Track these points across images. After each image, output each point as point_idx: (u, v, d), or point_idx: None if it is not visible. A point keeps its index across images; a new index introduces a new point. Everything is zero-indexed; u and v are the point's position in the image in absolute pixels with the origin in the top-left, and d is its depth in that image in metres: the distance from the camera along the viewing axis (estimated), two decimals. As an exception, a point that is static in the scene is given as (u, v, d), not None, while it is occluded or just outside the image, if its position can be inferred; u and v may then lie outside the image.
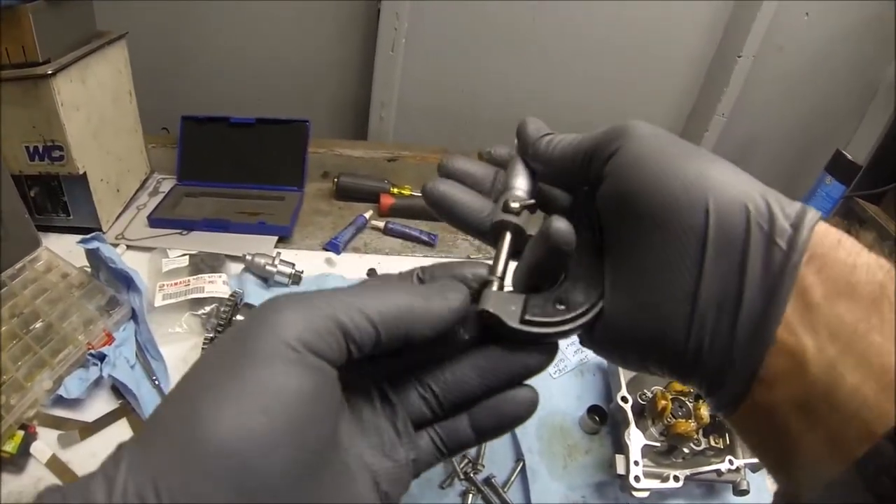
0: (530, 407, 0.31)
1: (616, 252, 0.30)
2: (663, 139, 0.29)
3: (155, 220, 0.90)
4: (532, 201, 0.33)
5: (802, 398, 0.24)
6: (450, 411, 0.31)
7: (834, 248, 0.25)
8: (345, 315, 0.25)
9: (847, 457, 0.22)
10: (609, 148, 0.29)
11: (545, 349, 0.30)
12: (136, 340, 0.68)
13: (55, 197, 0.82)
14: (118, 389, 0.63)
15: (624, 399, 0.60)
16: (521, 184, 0.34)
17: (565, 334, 0.29)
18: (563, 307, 0.29)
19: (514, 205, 0.32)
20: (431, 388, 0.31)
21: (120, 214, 0.92)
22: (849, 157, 0.98)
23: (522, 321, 0.29)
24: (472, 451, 0.60)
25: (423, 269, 0.32)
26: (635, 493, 0.55)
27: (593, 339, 0.31)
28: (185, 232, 0.89)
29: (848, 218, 1.16)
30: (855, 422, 0.22)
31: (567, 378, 0.70)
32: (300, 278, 0.82)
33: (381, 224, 0.96)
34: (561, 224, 0.29)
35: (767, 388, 0.25)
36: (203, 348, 0.68)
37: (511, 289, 0.31)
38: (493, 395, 0.31)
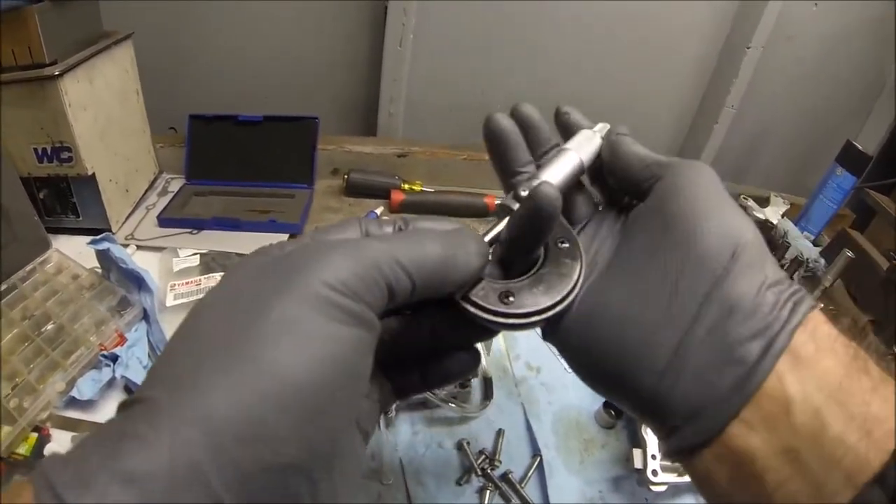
0: (469, 369, 0.33)
1: (631, 260, 0.30)
2: (715, 182, 0.31)
3: (164, 220, 0.89)
4: None
5: (787, 444, 0.24)
6: (402, 361, 0.33)
7: (823, 321, 0.27)
8: (386, 265, 0.25)
9: None
10: (665, 172, 0.31)
11: (479, 329, 0.31)
12: (149, 341, 0.68)
13: (64, 198, 0.82)
14: (131, 390, 0.63)
15: (640, 393, 0.59)
16: (549, 177, 0.33)
17: (495, 326, 0.29)
18: (508, 301, 0.29)
19: (525, 193, 0.31)
20: (394, 338, 0.31)
21: (129, 215, 0.92)
22: (859, 147, 0.97)
23: (464, 297, 0.29)
24: (489, 447, 0.59)
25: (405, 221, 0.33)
26: (653, 488, 0.55)
27: (556, 337, 0.31)
28: (195, 231, 0.89)
29: (859, 209, 1.15)
30: (839, 471, 0.23)
31: (581, 373, 0.70)
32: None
33: (391, 220, 0.95)
34: (549, 188, 0.29)
35: (748, 430, 0.25)
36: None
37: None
38: (442, 352, 0.33)
